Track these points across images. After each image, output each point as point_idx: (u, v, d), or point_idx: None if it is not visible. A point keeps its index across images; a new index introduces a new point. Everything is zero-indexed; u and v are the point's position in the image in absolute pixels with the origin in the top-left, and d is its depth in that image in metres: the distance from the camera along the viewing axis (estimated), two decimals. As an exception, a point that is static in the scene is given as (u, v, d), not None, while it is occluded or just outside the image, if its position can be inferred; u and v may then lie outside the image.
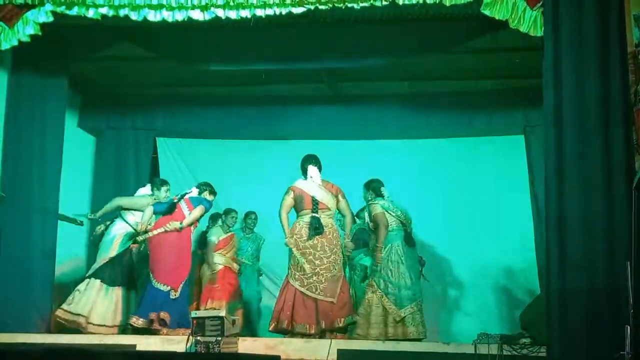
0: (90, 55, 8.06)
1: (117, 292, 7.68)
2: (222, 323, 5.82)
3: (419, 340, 7.02)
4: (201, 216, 7.73)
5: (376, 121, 9.24)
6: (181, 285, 7.41)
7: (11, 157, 7.39)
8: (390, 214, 7.38)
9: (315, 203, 7.11)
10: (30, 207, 7.54)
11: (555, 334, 5.51)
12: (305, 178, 7.26)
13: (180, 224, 7.47)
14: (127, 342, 6.63)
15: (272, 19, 6.66)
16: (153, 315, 7.24)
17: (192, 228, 7.69)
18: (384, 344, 6.70)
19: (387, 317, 7.13)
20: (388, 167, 8.99)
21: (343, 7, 6.43)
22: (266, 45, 7.52)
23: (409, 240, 7.41)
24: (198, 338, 5.82)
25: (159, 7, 6.54)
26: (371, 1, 6.29)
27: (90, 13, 6.58)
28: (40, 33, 6.72)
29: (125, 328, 7.56)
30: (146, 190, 8.07)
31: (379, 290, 7.18)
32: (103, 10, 6.56)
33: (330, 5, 6.40)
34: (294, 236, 7.09)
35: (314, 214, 7.06)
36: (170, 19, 6.58)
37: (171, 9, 6.55)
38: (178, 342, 6.31)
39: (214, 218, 8.75)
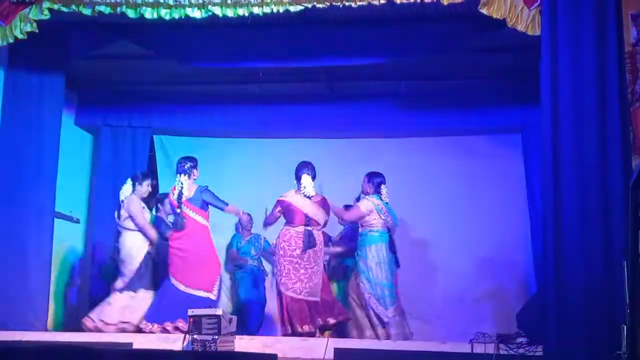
0: (87, 53, 8.04)
1: (145, 294, 7.61)
2: (218, 321, 5.82)
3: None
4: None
5: (373, 120, 9.24)
6: (215, 286, 7.33)
7: (7, 154, 7.39)
8: (380, 215, 7.39)
9: (307, 219, 7.33)
10: (26, 204, 7.53)
11: (552, 333, 5.51)
12: (298, 187, 7.37)
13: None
14: (123, 340, 6.62)
15: (269, 17, 6.65)
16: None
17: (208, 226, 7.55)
18: (380, 342, 6.71)
19: (370, 317, 7.23)
20: (385, 166, 8.98)
21: (340, 6, 6.43)
22: (263, 43, 7.51)
23: (392, 246, 7.47)
24: (195, 336, 5.81)
25: (156, 4, 6.53)
26: (369, 0, 6.29)
27: (87, 11, 6.58)
28: (37, 30, 6.71)
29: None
30: (128, 187, 7.94)
31: (364, 290, 7.28)
32: (100, 8, 6.55)
33: (328, 4, 6.40)
34: (283, 243, 7.28)
35: (307, 228, 7.29)
36: (167, 17, 6.58)
37: (168, 6, 6.56)
38: (174, 341, 6.31)
39: None
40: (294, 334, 7.01)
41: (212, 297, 7.24)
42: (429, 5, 6.62)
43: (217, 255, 7.64)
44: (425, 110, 9.10)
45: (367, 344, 6.65)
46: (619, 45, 5.74)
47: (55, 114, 7.89)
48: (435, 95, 9.16)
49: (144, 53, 8.13)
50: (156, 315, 7.22)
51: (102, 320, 7.41)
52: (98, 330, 7.35)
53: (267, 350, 6.21)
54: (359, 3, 6.34)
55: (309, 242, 7.22)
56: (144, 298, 7.55)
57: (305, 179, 7.37)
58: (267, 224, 7.70)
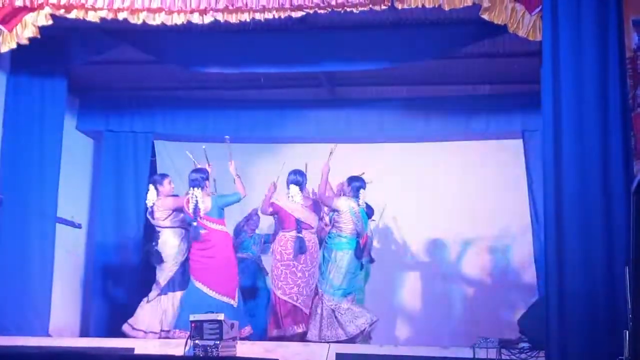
0: (89, 58, 8.06)
1: (177, 295, 7.56)
2: (220, 326, 5.81)
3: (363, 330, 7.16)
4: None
5: (375, 125, 9.24)
6: (236, 293, 7.30)
7: (10, 159, 7.41)
8: (352, 218, 7.43)
9: (298, 223, 7.41)
10: (28, 209, 7.54)
11: (554, 338, 5.50)
12: (288, 194, 7.52)
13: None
14: (125, 345, 6.62)
15: (271, 23, 6.67)
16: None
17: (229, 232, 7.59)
18: (381, 348, 6.71)
19: (331, 319, 7.28)
20: (386, 170, 9.01)
21: (342, 12, 6.44)
22: (265, 49, 7.53)
23: (358, 252, 7.49)
24: (196, 341, 5.81)
25: (158, 10, 6.54)
26: (370, 6, 6.30)
27: (90, 16, 6.58)
28: (39, 36, 6.72)
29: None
30: (152, 193, 7.79)
31: (323, 292, 7.35)
32: (102, 14, 6.56)
33: (329, 10, 6.41)
34: (279, 247, 7.41)
35: (298, 234, 7.38)
36: (169, 23, 6.59)
37: (170, 12, 6.55)
38: (176, 346, 6.30)
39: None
40: (283, 337, 7.15)
41: (234, 303, 7.20)
42: (431, 11, 6.64)
43: (235, 261, 7.58)
44: (426, 116, 9.11)
45: (369, 349, 6.65)
46: (620, 51, 5.74)
47: (57, 119, 7.91)
48: (436, 100, 9.16)
49: (145, 58, 8.16)
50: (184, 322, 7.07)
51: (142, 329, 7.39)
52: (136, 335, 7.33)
53: (269, 355, 6.21)
54: (360, 9, 6.35)
55: (300, 248, 7.33)
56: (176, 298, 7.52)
57: (293, 188, 7.51)
58: (262, 211, 7.80)
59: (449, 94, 9.16)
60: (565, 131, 5.74)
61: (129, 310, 7.66)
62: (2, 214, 7.26)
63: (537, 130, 7.84)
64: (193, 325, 5.89)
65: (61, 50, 7.73)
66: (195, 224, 7.30)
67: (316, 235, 7.59)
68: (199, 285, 7.23)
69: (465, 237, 8.90)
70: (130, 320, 7.48)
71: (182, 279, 7.57)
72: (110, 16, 6.57)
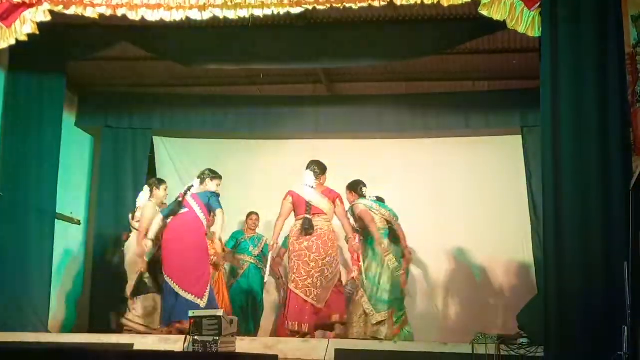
0: (88, 54, 8.05)
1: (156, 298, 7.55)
2: (219, 322, 5.81)
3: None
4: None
5: (373, 121, 9.24)
6: (206, 293, 7.13)
7: (8, 156, 7.40)
8: (374, 212, 7.41)
9: (308, 207, 7.16)
10: (27, 206, 7.54)
11: (553, 334, 5.51)
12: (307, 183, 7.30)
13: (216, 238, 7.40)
14: (125, 342, 6.63)
15: (270, 19, 6.66)
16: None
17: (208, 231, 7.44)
18: (381, 344, 6.71)
19: (366, 318, 7.26)
20: (385, 167, 9.02)
21: (341, 8, 6.44)
22: (264, 45, 7.52)
23: (394, 237, 7.49)
24: (195, 337, 5.81)
25: (157, 6, 6.53)
26: (369, 2, 6.29)
27: (88, 12, 6.57)
28: (37, 32, 6.71)
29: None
30: (145, 194, 7.88)
31: (361, 290, 7.30)
32: (101, 10, 6.55)
33: (328, 6, 6.41)
34: (291, 238, 7.18)
35: (306, 216, 7.11)
36: (168, 19, 6.58)
37: (169, 8, 6.54)
38: (175, 342, 6.30)
39: None
40: (291, 332, 6.97)
41: (202, 304, 7.03)
42: (430, 7, 6.64)
43: (209, 260, 7.45)
44: (425, 111, 9.11)
45: (368, 345, 6.64)
46: (619, 47, 5.74)
47: (56, 115, 7.91)
48: (435, 96, 9.16)
49: (144, 55, 8.16)
50: (165, 317, 7.17)
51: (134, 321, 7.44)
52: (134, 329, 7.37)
53: (268, 352, 6.21)
54: (359, 4, 6.34)
55: (305, 228, 7.05)
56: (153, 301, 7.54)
57: (307, 174, 7.28)
58: (279, 222, 7.33)
59: (448, 90, 9.17)
60: (564, 127, 5.74)
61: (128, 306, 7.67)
62: (2, 211, 7.25)
63: (536, 126, 7.84)
64: (192, 321, 5.89)
65: (60, 47, 7.72)
66: (180, 200, 7.25)
67: (331, 224, 7.29)
68: (168, 280, 7.12)
69: (463, 232, 8.89)
70: (127, 315, 7.52)
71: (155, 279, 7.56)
72: (109, 12, 6.56)
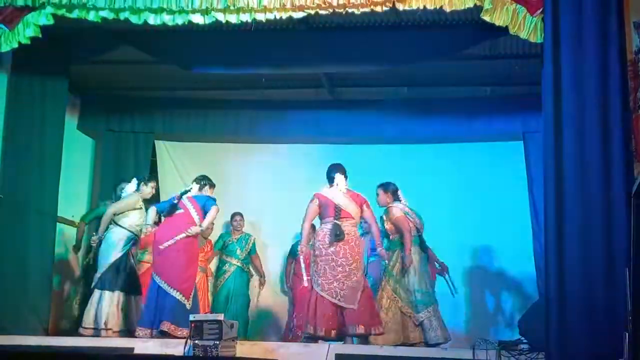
0: (90, 58, 8.07)
1: (119, 297, 7.57)
2: (220, 326, 5.82)
3: (442, 343, 7.06)
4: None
5: (375, 126, 9.25)
6: (191, 296, 7.13)
7: (10, 158, 7.40)
8: (409, 219, 7.39)
9: (337, 210, 6.98)
10: (28, 209, 7.55)
11: (554, 340, 5.50)
12: (331, 186, 7.13)
13: (200, 226, 7.23)
14: (125, 345, 6.62)
15: (272, 23, 6.67)
16: (168, 326, 6.94)
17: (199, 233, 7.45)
18: (381, 348, 6.70)
19: (405, 322, 7.18)
20: (387, 171, 9.00)
21: (343, 13, 6.43)
22: (266, 49, 7.53)
23: (423, 245, 7.45)
24: (196, 341, 5.81)
25: (160, 10, 6.53)
26: (372, 7, 6.29)
27: (91, 16, 6.57)
28: (40, 36, 6.72)
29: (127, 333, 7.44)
30: (132, 186, 7.89)
31: (394, 295, 7.22)
32: (103, 14, 6.55)
33: (331, 11, 6.40)
34: (318, 242, 6.97)
35: (335, 221, 6.94)
36: (170, 23, 6.58)
37: (172, 12, 6.54)
38: (176, 346, 6.30)
39: None
40: (317, 337, 6.78)
41: (188, 305, 7.03)
42: (432, 13, 6.64)
43: (197, 262, 7.51)
44: (426, 117, 9.12)
45: (368, 349, 6.63)
46: (621, 53, 5.74)
47: (58, 119, 7.93)
48: (437, 101, 9.17)
49: (146, 59, 8.16)
50: (146, 319, 7.10)
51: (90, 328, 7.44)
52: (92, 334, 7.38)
53: (269, 356, 6.20)
54: (361, 10, 6.33)
55: (336, 234, 6.83)
56: (116, 299, 7.54)
57: (339, 177, 7.09)
58: (306, 226, 7.08)
59: (450, 96, 9.17)
60: (566, 133, 5.74)
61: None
62: (3, 213, 7.25)
63: (537, 132, 7.84)
64: (193, 325, 5.90)
65: (62, 50, 7.75)
66: (175, 202, 7.27)
67: (357, 229, 7.12)
68: (156, 278, 7.10)
69: (464, 237, 8.89)
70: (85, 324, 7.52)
71: (131, 278, 7.65)
72: (111, 16, 6.56)
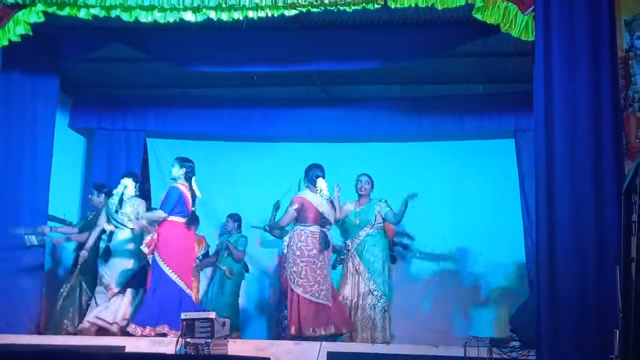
0: (82, 56, 8.04)
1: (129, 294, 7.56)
2: (211, 325, 5.82)
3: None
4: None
5: (368, 124, 9.24)
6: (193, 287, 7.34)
7: (1, 157, 7.37)
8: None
9: (323, 218, 7.32)
10: (20, 207, 7.52)
11: (545, 337, 5.52)
12: (312, 189, 7.37)
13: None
14: (116, 344, 6.61)
15: (264, 21, 6.66)
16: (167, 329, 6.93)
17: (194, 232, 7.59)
18: (372, 346, 6.71)
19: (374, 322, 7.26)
20: (379, 169, 9.00)
21: (335, 10, 6.43)
22: (258, 47, 7.51)
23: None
24: (187, 340, 5.81)
25: (151, 8, 6.51)
26: (363, 4, 6.30)
27: (82, 14, 6.55)
28: (31, 33, 6.69)
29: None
30: (130, 188, 7.89)
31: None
32: (94, 11, 6.53)
33: (323, 8, 6.40)
34: (300, 243, 7.21)
35: (322, 229, 7.28)
36: (162, 20, 6.57)
37: (163, 10, 6.53)
38: (167, 344, 6.30)
39: None
40: (301, 337, 6.91)
41: (192, 296, 7.19)
42: (424, 10, 6.65)
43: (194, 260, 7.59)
44: (419, 115, 9.11)
45: (360, 347, 6.66)
46: (612, 51, 5.76)
47: (49, 117, 7.90)
48: (430, 99, 9.17)
49: (138, 56, 8.15)
50: (144, 317, 7.09)
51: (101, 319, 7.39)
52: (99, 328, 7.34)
53: (260, 354, 6.21)
54: (353, 7, 6.34)
55: (325, 242, 7.23)
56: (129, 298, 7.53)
57: (321, 182, 7.37)
58: (281, 226, 7.62)
59: (443, 93, 9.17)
60: (557, 131, 5.76)
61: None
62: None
63: (529, 130, 7.85)
64: (184, 323, 5.89)
65: (53, 48, 7.72)
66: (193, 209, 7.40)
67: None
68: (161, 263, 7.14)
69: (455, 235, 8.90)
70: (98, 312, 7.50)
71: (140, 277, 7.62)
72: (102, 14, 6.55)
